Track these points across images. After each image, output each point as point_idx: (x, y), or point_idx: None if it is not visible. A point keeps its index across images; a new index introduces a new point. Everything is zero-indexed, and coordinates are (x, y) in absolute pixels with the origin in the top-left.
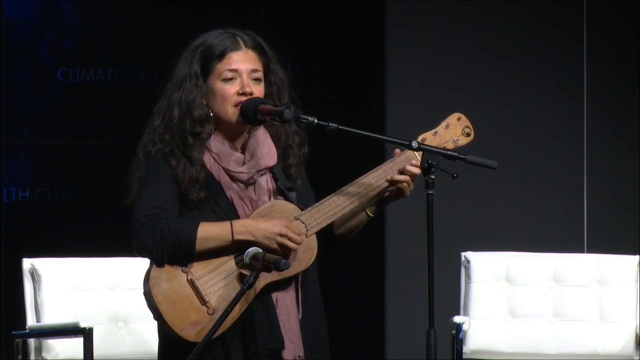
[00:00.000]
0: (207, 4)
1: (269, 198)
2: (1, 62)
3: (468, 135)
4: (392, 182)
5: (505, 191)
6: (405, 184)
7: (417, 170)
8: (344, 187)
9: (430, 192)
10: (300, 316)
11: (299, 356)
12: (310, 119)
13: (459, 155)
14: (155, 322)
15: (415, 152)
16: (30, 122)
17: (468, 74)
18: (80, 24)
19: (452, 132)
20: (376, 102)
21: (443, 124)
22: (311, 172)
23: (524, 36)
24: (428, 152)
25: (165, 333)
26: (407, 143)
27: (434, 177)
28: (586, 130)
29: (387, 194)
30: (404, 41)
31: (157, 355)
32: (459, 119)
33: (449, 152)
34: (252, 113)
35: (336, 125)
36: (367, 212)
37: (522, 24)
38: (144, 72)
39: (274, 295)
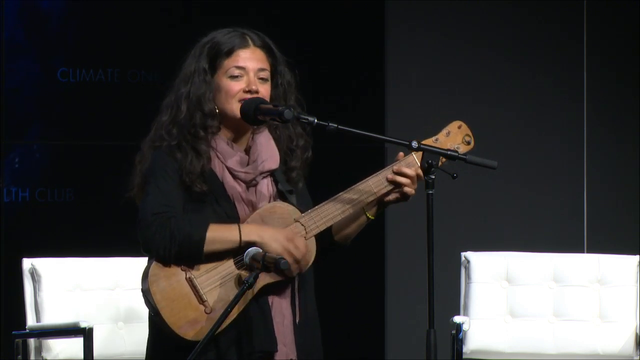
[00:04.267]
0: (207, 4)
1: (269, 201)
2: (1, 62)
3: (468, 143)
4: (394, 184)
5: (505, 191)
6: (407, 188)
7: (412, 173)
8: (344, 191)
9: (430, 192)
10: (298, 319)
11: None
12: (310, 119)
13: (459, 155)
14: None
15: (415, 158)
16: (30, 122)
17: (468, 73)
18: (80, 23)
19: (452, 140)
20: (376, 102)
21: (444, 131)
22: (311, 172)
23: (524, 36)
24: (428, 153)
25: (159, 330)
26: (407, 143)
27: (434, 177)
28: (586, 130)
29: (389, 197)
30: (404, 41)
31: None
32: (459, 127)
33: (448, 152)
34: (252, 113)
35: (336, 125)
36: (366, 215)
37: (522, 24)
38: (144, 72)
39: (270, 298)
